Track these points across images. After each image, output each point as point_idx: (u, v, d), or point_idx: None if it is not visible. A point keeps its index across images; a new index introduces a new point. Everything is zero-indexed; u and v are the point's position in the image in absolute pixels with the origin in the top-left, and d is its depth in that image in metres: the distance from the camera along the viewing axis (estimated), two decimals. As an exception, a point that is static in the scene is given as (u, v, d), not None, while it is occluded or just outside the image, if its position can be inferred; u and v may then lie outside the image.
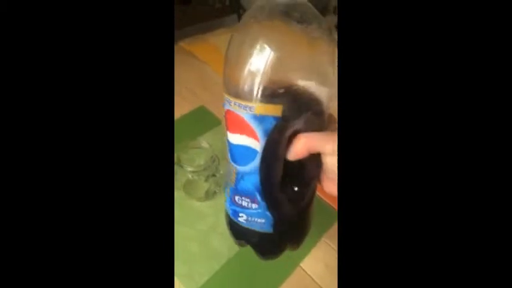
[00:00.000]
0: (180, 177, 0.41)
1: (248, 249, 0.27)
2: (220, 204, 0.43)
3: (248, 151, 0.21)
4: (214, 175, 0.41)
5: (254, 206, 0.23)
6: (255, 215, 0.23)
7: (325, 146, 0.20)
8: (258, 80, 0.19)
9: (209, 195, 0.43)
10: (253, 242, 0.26)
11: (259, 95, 0.19)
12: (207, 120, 0.55)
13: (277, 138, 0.20)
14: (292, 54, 0.20)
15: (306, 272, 0.38)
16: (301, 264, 0.38)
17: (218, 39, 0.77)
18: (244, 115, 0.20)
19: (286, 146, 0.21)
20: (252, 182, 0.22)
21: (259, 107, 0.19)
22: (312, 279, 0.37)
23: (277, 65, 0.19)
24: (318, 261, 0.39)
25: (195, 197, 0.43)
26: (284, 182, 0.23)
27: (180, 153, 0.40)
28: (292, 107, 0.20)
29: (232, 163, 0.23)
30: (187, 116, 0.56)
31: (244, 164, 0.22)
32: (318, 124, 0.22)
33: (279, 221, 0.23)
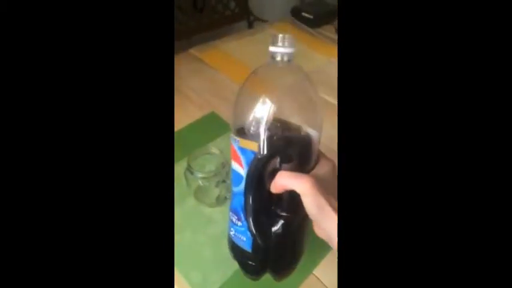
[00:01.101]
0: (191, 184, 0.41)
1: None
2: (231, 210, 0.43)
3: (238, 175, 0.26)
4: (224, 181, 0.41)
5: (239, 223, 0.27)
6: (239, 232, 0.27)
7: (298, 186, 0.22)
8: (241, 120, 0.25)
9: (220, 200, 0.43)
10: (237, 257, 0.29)
11: (241, 132, 0.25)
12: (217, 126, 0.55)
13: (256, 169, 0.24)
14: (283, 105, 0.25)
15: (319, 279, 0.37)
16: (314, 272, 0.37)
17: (228, 45, 0.78)
18: (235, 146, 0.26)
19: (268, 177, 0.24)
20: (239, 201, 0.26)
21: (241, 141, 0.25)
22: (326, 286, 0.36)
23: (269, 113, 0.24)
24: (331, 268, 0.38)
25: (206, 203, 0.43)
26: (271, 210, 0.25)
27: (190, 160, 0.40)
28: (268, 146, 0.24)
29: (232, 184, 0.28)
30: (197, 122, 0.57)
31: (236, 185, 0.27)
32: (302, 164, 0.25)
33: (257, 243, 0.26)
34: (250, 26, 0.97)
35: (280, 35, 0.25)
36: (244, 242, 0.27)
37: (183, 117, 0.57)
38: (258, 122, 0.24)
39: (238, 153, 0.25)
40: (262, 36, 0.81)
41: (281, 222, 0.25)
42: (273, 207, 0.25)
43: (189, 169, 0.39)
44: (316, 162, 0.26)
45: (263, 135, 0.24)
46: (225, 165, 0.40)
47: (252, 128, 0.24)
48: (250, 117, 0.25)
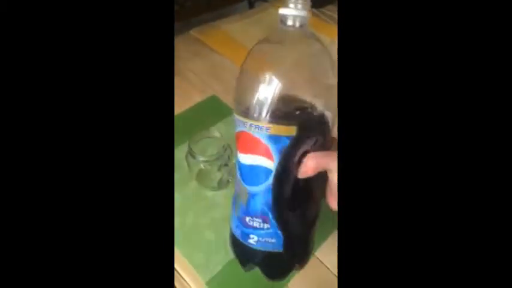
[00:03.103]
0: (193, 167, 0.41)
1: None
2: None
3: (261, 171, 0.22)
4: (226, 164, 0.41)
5: (266, 226, 0.23)
6: (267, 235, 0.24)
7: (332, 163, 0.22)
8: (273, 104, 0.21)
9: (222, 184, 0.43)
10: (262, 263, 0.26)
11: (274, 117, 0.21)
12: (219, 110, 0.55)
13: (290, 157, 0.22)
14: (296, 81, 0.22)
15: (321, 261, 0.37)
16: (316, 254, 0.38)
17: (229, 26, 0.76)
18: (260, 135, 0.21)
19: (296, 165, 0.22)
20: (264, 202, 0.23)
21: (275, 128, 0.21)
22: (327, 268, 0.37)
23: (288, 90, 0.21)
24: (333, 250, 0.38)
25: (209, 187, 0.43)
26: (293, 201, 0.23)
27: (192, 144, 0.40)
28: (304, 128, 0.21)
29: (243, 184, 0.24)
30: (198, 106, 0.56)
31: (257, 184, 0.23)
32: (324, 145, 0.23)
33: (288, 239, 0.24)
34: (251, 6, 0.94)
35: None
36: (274, 244, 0.24)
37: (183, 101, 0.56)
38: (293, 102, 0.21)
39: (266, 143, 0.21)
40: (263, 17, 0.79)
41: (303, 210, 0.24)
42: (295, 198, 0.24)
43: (191, 153, 0.39)
44: (331, 144, 0.25)
45: (303, 113, 0.21)
46: (227, 148, 0.40)
47: (274, 111, 0.21)
48: (259, 97, 0.21)
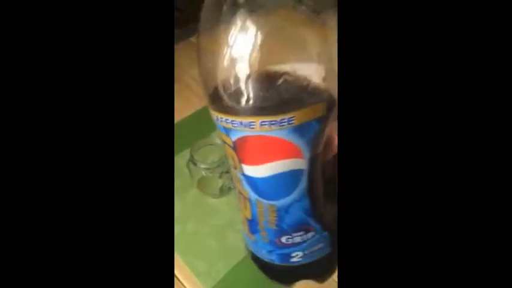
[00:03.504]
0: (194, 175, 0.41)
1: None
2: (235, 201, 0.43)
3: (291, 176, 0.17)
4: (228, 171, 0.41)
5: (310, 234, 0.20)
6: (313, 244, 0.20)
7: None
8: (295, 86, 0.15)
9: (224, 191, 0.43)
10: (312, 273, 0.23)
11: (299, 101, 0.15)
12: (219, 116, 0.55)
13: (319, 143, 0.17)
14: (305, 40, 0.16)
15: (323, 268, 0.37)
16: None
17: (229, 33, 0.76)
18: (281, 133, 0.16)
19: (324, 146, 0.18)
20: (301, 209, 0.19)
21: (301, 113, 0.15)
22: (330, 275, 0.37)
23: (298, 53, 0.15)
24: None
25: (210, 194, 0.43)
26: (325, 191, 0.20)
27: (193, 151, 0.40)
28: (333, 101, 0.16)
29: (265, 201, 0.19)
30: (199, 113, 0.56)
31: (287, 194, 0.18)
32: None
33: (333, 234, 0.21)
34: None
35: None
36: (322, 248, 0.21)
37: (184, 107, 0.56)
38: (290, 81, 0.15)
39: (291, 139, 0.16)
40: (263, 24, 0.79)
41: (333, 194, 0.19)
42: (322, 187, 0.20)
43: (192, 160, 0.39)
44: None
45: (328, 87, 0.16)
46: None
47: (307, 87, 0.15)
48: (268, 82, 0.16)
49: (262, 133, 0.16)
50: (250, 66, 0.15)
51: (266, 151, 0.16)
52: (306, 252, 0.20)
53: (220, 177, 0.41)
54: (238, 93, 0.16)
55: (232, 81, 0.16)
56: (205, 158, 0.41)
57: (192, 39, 0.74)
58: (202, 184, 0.43)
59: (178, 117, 0.54)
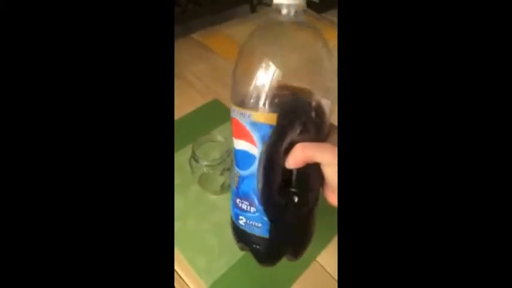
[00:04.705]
0: (195, 171, 0.41)
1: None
2: (235, 198, 0.43)
3: (247, 156, 0.23)
4: (229, 169, 0.41)
5: (252, 209, 0.24)
6: (253, 219, 0.24)
7: (322, 156, 0.21)
8: (255, 90, 0.21)
9: (225, 188, 0.43)
10: (250, 245, 0.26)
11: (256, 104, 0.21)
12: (220, 114, 0.55)
13: (273, 146, 0.21)
14: (290, 68, 0.22)
15: (323, 267, 0.37)
16: (318, 259, 0.38)
17: (231, 30, 0.76)
18: (244, 122, 0.22)
19: (284, 154, 0.22)
20: (250, 185, 0.23)
21: (255, 115, 0.21)
22: (329, 273, 0.37)
23: (275, 78, 0.21)
24: (334, 256, 0.38)
25: (211, 191, 0.43)
26: (284, 189, 0.23)
27: (195, 147, 0.40)
28: (285, 117, 0.21)
29: (236, 167, 0.25)
30: (200, 110, 0.56)
31: (244, 168, 0.23)
32: (317, 135, 0.22)
33: (275, 227, 0.24)
34: (253, 10, 0.95)
35: None
36: (260, 228, 0.24)
37: (185, 104, 0.56)
38: (269, 90, 0.21)
39: (249, 129, 0.22)
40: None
41: (296, 200, 0.23)
42: (287, 187, 0.23)
43: (194, 157, 0.39)
44: (328, 133, 0.24)
45: (276, 104, 0.21)
46: (230, 153, 0.40)
47: (261, 99, 0.21)
48: (256, 85, 0.21)
49: (238, 118, 0.22)
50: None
51: (238, 130, 0.23)
52: (248, 222, 0.25)
53: (221, 174, 0.41)
54: (235, 92, 0.23)
55: (235, 84, 0.23)
56: (206, 155, 0.41)
57: (194, 35, 0.74)
58: (203, 180, 0.43)
59: (179, 113, 0.54)
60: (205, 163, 0.39)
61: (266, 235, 0.24)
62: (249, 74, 0.22)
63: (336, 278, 0.37)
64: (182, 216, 0.41)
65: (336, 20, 0.80)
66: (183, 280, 0.36)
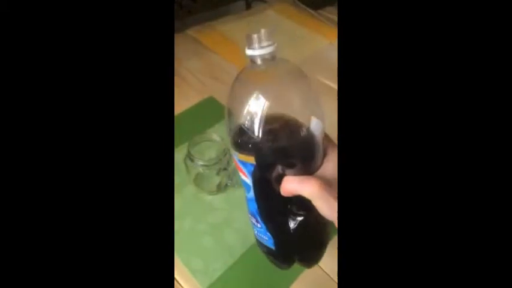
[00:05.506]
0: (191, 171, 0.40)
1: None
2: (232, 198, 0.43)
3: (245, 183, 0.25)
4: (225, 169, 0.40)
5: (258, 225, 0.27)
6: (261, 233, 0.27)
7: (304, 191, 0.22)
8: (235, 135, 0.23)
9: (221, 188, 0.42)
10: (265, 253, 0.30)
11: (237, 146, 0.24)
12: (216, 111, 0.54)
13: (260, 179, 0.24)
14: (271, 110, 0.23)
15: (321, 268, 0.37)
16: (316, 259, 0.37)
17: (226, 26, 0.75)
18: (235, 158, 0.25)
19: (276, 182, 0.23)
20: (254, 206, 0.26)
21: (239, 156, 0.24)
22: (327, 274, 0.37)
23: (251, 121, 0.22)
24: (333, 257, 0.38)
25: (207, 190, 0.43)
26: (285, 206, 0.25)
27: (191, 147, 0.39)
28: (264, 159, 0.23)
29: (244, 189, 0.27)
30: (196, 107, 0.55)
31: (247, 191, 0.26)
32: (305, 165, 0.24)
33: (278, 241, 0.26)
34: (248, 6, 0.94)
35: (255, 35, 0.21)
36: (267, 241, 0.27)
37: (180, 101, 0.55)
38: (251, 131, 0.22)
39: (240, 165, 0.24)
40: (260, 17, 0.78)
41: (299, 219, 0.25)
42: (289, 206, 0.25)
43: (190, 156, 0.38)
44: (324, 155, 0.25)
45: (259, 144, 0.22)
46: (227, 152, 0.40)
47: (247, 138, 0.23)
48: (229, 126, 0.24)
49: (232, 155, 0.25)
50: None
51: (235, 164, 0.25)
52: (257, 234, 0.28)
53: (217, 174, 0.40)
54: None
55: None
56: (202, 155, 0.40)
57: (189, 31, 0.73)
58: (199, 180, 0.42)
59: (174, 111, 0.53)
60: (200, 163, 0.38)
61: (273, 247, 0.27)
62: (238, 117, 0.23)
63: (334, 279, 0.36)
64: (178, 217, 0.40)
65: (332, 16, 0.79)
66: (178, 282, 0.35)
